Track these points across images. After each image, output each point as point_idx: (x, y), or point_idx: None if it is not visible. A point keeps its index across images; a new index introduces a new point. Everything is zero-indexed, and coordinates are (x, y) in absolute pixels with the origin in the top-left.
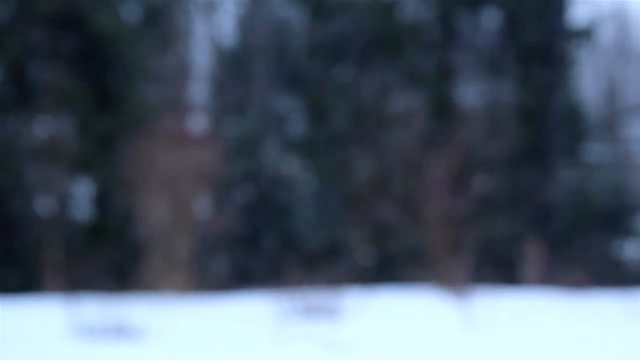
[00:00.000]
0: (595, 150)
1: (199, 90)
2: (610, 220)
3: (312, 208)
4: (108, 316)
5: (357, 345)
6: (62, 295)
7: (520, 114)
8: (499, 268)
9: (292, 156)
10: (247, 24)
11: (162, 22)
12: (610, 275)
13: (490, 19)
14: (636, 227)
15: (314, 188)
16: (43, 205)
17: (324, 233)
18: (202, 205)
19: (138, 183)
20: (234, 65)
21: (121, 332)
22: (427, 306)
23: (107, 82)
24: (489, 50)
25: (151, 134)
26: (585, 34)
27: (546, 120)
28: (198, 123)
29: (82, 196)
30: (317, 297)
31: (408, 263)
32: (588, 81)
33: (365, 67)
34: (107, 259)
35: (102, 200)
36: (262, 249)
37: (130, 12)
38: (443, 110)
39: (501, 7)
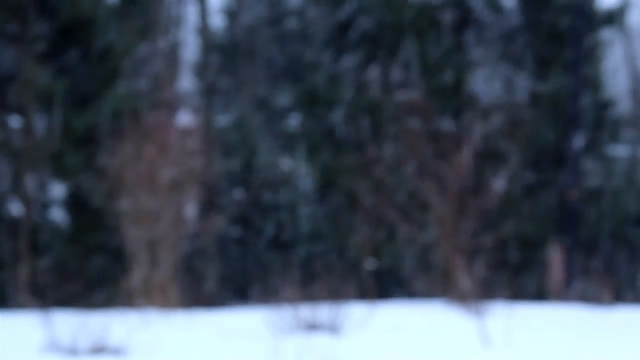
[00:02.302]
0: (622, 147)
1: (187, 82)
2: (638, 222)
3: (311, 211)
4: (87, 332)
5: None
6: (37, 310)
7: (541, 105)
8: (517, 278)
9: (288, 153)
10: (239, 9)
11: (146, 7)
12: (638, 285)
13: (508, 2)
14: None
15: (313, 189)
16: (15, 210)
17: (324, 239)
18: (190, 208)
19: (120, 185)
20: (225, 54)
21: (100, 350)
22: (437, 321)
23: (86, 73)
24: (507, 37)
25: (134, 130)
26: (611, 18)
27: (569, 113)
28: (186, 117)
29: (58, 200)
30: (317, 309)
31: (416, 273)
32: (614, 71)
33: (370, 55)
34: (85, 269)
35: (81, 205)
36: (256, 257)
37: None
38: (456, 101)
39: None
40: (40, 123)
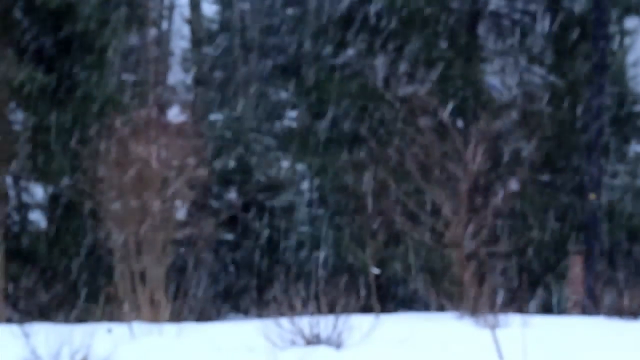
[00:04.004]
0: None
1: (178, 75)
2: None
3: (311, 216)
4: (68, 344)
5: None
6: (16, 320)
7: (559, 100)
8: (534, 288)
9: (286, 152)
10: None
11: None
12: None
13: None
14: None
15: (314, 192)
16: None
17: (325, 244)
18: (181, 213)
19: (106, 186)
20: (218, 46)
21: None
22: (448, 334)
23: (68, 67)
24: (523, 26)
25: (120, 128)
26: (636, 6)
27: (589, 109)
28: (177, 115)
29: (38, 202)
30: (317, 321)
31: (425, 282)
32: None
33: (375, 47)
34: (68, 276)
35: (63, 207)
36: (252, 264)
37: None
38: (468, 98)
39: None
40: (18, 120)
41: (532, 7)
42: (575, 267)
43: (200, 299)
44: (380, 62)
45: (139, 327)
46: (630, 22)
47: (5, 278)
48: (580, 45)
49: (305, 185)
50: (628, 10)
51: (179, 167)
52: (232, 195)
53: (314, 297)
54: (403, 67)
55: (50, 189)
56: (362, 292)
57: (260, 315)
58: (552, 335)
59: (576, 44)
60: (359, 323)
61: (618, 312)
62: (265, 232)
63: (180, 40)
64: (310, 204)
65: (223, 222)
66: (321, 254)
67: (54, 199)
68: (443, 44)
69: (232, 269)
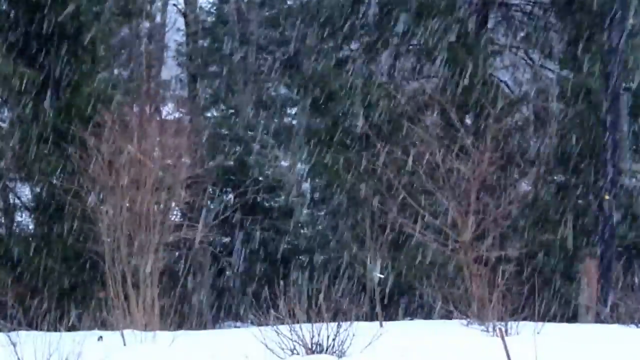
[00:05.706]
0: None
1: (173, 71)
2: None
3: (314, 218)
4: (57, 354)
5: None
6: (2, 328)
7: (572, 98)
8: (546, 293)
9: (287, 150)
10: None
11: None
12: None
13: None
14: None
15: (315, 193)
16: None
17: (327, 248)
18: (175, 214)
19: (97, 186)
20: (215, 39)
21: None
22: (456, 342)
23: (57, 62)
24: (535, 19)
25: (113, 125)
26: None
27: (605, 105)
28: (172, 112)
29: (26, 204)
30: (319, 328)
31: (432, 287)
32: None
33: (381, 40)
34: (57, 282)
35: (52, 209)
36: (251, 268)
37: None
38: (477, 93)
39: None
40: (4, 116)
41: None
42: (589, 271)
43: (195, 305)
44: (385, 56)
45: (131, 334)
46: None
47: None
48: (596, 38)
49: (305, 185)
50: None
51: (173, 167)
52: (229, 196)
53: (315, 303)
54: (409, 61)
55: (38, 190)
56: (366, 298)
57: (258, 322)
58: (565, 343)
59: (591, 37)
60: (362, 331)
61: (634, 319)
62: (264, 235)
63: (175, 34)
64: (311, 205)
65: (219, 224)
66: (322, 258)
67: (42, 200)
68: (451, 37)
69: (228, 273)
